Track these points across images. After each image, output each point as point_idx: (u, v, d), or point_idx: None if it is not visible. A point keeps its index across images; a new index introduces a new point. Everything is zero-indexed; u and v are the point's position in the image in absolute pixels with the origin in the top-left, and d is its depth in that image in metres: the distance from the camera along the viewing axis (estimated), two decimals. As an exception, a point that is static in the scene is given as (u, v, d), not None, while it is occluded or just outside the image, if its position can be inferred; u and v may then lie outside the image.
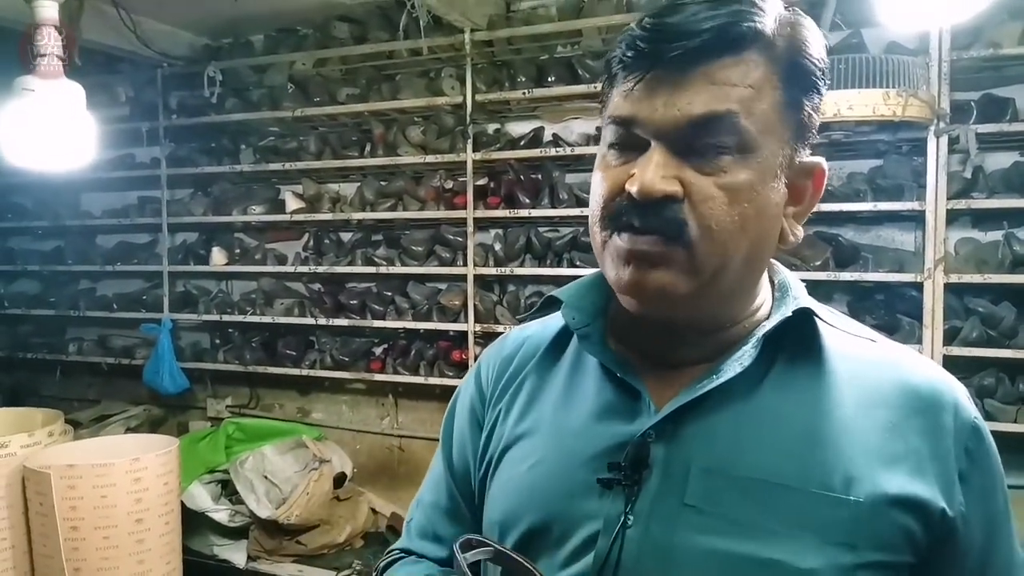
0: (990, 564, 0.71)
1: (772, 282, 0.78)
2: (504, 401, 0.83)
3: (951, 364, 2.31)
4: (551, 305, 0.81)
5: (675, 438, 0.69)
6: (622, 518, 0.68)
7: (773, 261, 0.80)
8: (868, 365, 0.72)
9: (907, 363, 0.73)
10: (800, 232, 0.73)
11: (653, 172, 0.65)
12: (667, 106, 0.65)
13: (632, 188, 0.66)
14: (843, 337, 0.74)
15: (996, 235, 2.44)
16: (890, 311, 2.45)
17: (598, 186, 0.71)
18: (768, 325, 0.71)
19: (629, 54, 0.67)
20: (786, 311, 0.71)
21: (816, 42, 0.69)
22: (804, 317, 0.72)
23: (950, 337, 2.33)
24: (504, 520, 0.76)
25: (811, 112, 0.70)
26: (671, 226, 0.65)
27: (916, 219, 2.47)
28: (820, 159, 0.73)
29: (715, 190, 0.65)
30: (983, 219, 2.48)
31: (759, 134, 0.65)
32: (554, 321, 0.84)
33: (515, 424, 0.80)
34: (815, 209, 2.50)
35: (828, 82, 0.71)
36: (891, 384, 0.70)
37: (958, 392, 0.72)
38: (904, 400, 0.69)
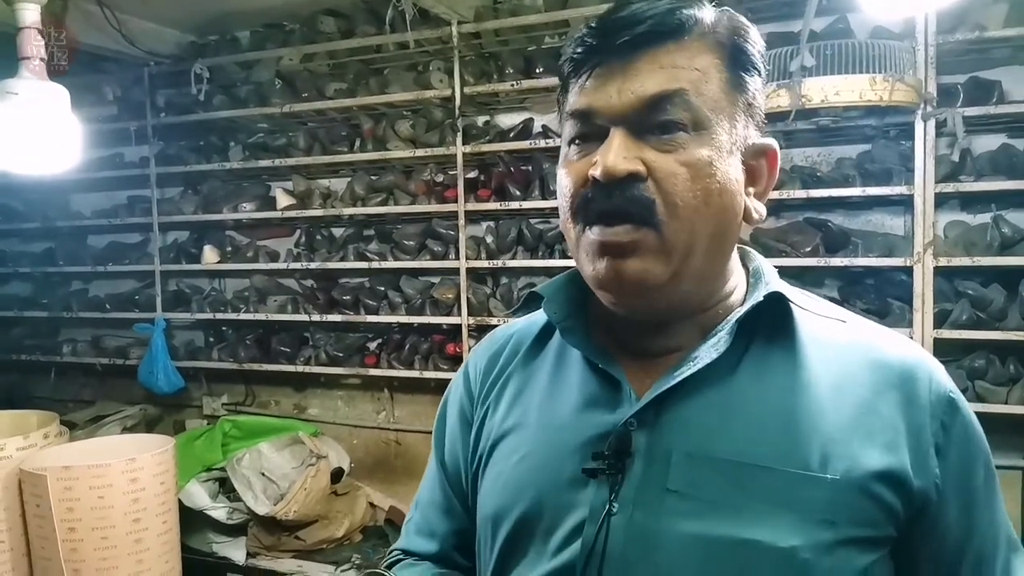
0: (971, 537, 0.72)
1: (747, 269, 0.80)
2: (492, 397, 0.84)
3: (942, 347, 2.32)
4: (534, 301, 0.83)
5: (656, 425, 0.71)
6: (607, 506, 0.70)
7: (748, 248, 0.83)
8: (840, 345, 0.74)
9: (879, 341, 0.75)
10: (763, 210, 0.76)
11: (615, 153, 0.68)
12: (621, 92, 0.69)
13: (595, 172, 0.68)
14: (815, 319, 0.76)
15: (984, 218, 2.45)
16: (880, 295, 2.46)
17: (563, 181, 0.73)
18: (742, 311, 0.73)
19: (579, 51, 0.71)
20: (758, 296, 0.73)
21: (752, 29, 0.74)
22: (776, 301, 0.73)
23: (940, 320, 2.34)
24: (495, 514, 0.78)
25: (755, 93, 0.74)
26: (640, 206, 0.68)
27: (905, 203, 2.48)
28: (771, 140, 0.76)
29: (677, 166, 0.68)
30: (971, 202, 2.49)
31: (711, 112, 0.69)
32: (540, 316, 0.86)
33: (503, 419, 0.82)
34: (805, 195, 2.49)
35: (768, 68, 0.76)
36: (863, 362, 0.72)
37: (932, 366, 0.73)
38: (877, 376, 0.71)
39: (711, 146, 0.69)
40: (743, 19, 0.74)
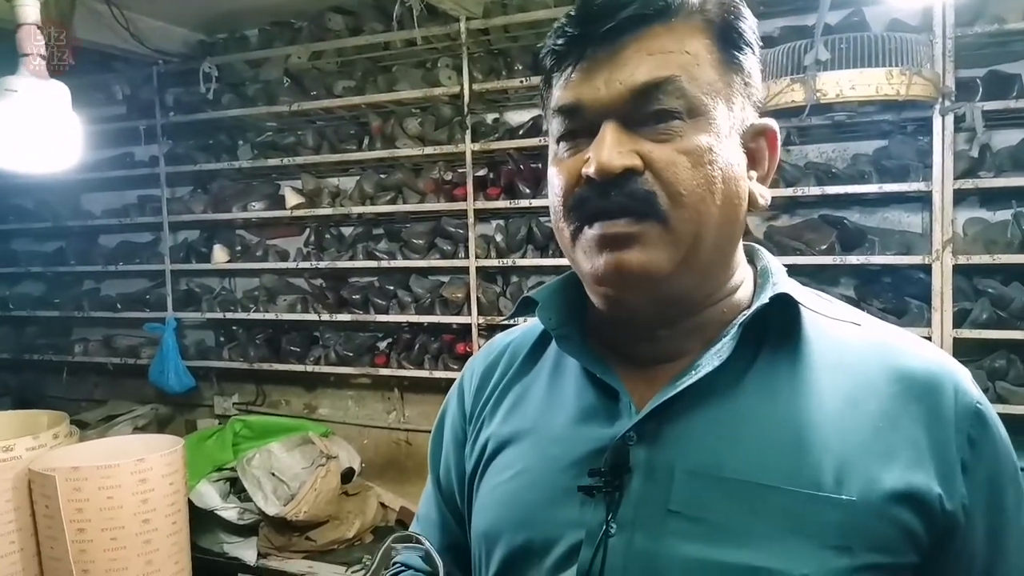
0: (998, 561, 0.67)
1: (755, 268, 0.76)
2: (487, 410, 0.81)
3: (961, 347, 2.27)
4: (528, 307, 0.78)
5: (657, 440, 0.67)
6: (604, 527, 0.66)
7: (756, 246, 0.78)
8: (855, 351, 0.69)
9: (898, 346, 0.69)
10: (768, 194, 0.72)
11: (609, 149, 0.64)
12: (608, 83, 0.64)
13: (589, 170, 0.64)
14: (827, 323, 0.71)
15: (1005, 214, 2.40)
16: (898, 294, 2.41)
17: (555, 180, 0.70)
18: (747, 314, 0.68)
19: (560, 42, 0.67)
20: (764, 298, 0.68)
21: (743, 5, 0.70)
22: (784, 304, 0.68)
23: (960, 319, 2.29)
24: (489, 531, 0.75)
25: (751, 71, 0.69)
26: (639, 200, 0.64)
27: (923, 200, 2.43)
28: (770, 120, 0.72)
29: (676, 155, 0.64)
30: (991, 198, 2.43)
31: (706, 96, 0.65)
32: (538, 323, 0.81)
33: (498, 431, 0.78)
34: (820, 192, 2.45)
35: (761, 44, 0.72)
36: (881, 370, 0.67)
37: (958, 374, 0.68)
38: (897, 387, 0.66)
39: (709, 131, 0.65)
40: None
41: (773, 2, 2.44)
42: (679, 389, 0.66)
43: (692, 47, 0.65)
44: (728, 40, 0.67)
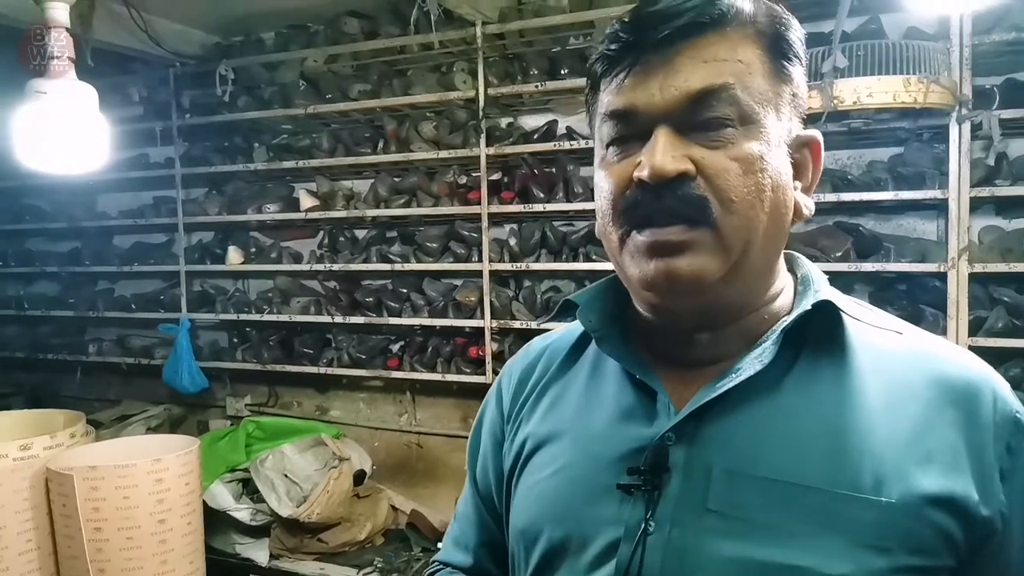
0: None
1: (795, 275, 0.77)
2: (525, 410, 0.82)
3: (976, 355, 2.27)
4: (568, 309, 0.80)
5: (696, 440, 0.68)
6: (643, 524, 0.67)
7: (796, 254, 0.79)
8: (896, 358, 0.70)
9: (939, 353, 0.70)
10: (812, 205, 0.73)
11: (662, 153, 0.64)
12: (664, 89, 0.65)
13: (642, 173, 0.65)
14: (868, 330, 0.72)
15: (1021, 223, 2.40)
16: (913, 302, 2.41)
17: (604, 183, 0.70)
18: (788, 319, 0.69)
19: (613, 47, 0.68)
20: (806, 304, 0.69)
21: (791, 17, 0.72)
22: (826, 310, 0.70)
23: (975, 328, 2.29)
24: (527, 528, 0.76)
25: (799, 83, 0.71)
26: (692, 206, 0.65)
27: (938, 208, 2.43)
28: (815, 131, 0.73)
29: (727, 162, 0.65)
30: (1007, 207, 2.43)
31: (757, 104, 0.66)
32: (576, 326, 0.83)
33: (536, 430, 0.79)
34: (836, 199, 2.45)
35: (807, 56, 0.73)
36: (921, 377, 0.68)
37: (997, 383, 0.69)
38: (936, 393, 0.67)
39: (760, 140, 0.66)
40: (781, 7, 0.71)
41: (791, 8, 2.44)
42: (719, 392, 0.67)
43: (745, 56, 0.66)
44: (778, 50, 0.69)
